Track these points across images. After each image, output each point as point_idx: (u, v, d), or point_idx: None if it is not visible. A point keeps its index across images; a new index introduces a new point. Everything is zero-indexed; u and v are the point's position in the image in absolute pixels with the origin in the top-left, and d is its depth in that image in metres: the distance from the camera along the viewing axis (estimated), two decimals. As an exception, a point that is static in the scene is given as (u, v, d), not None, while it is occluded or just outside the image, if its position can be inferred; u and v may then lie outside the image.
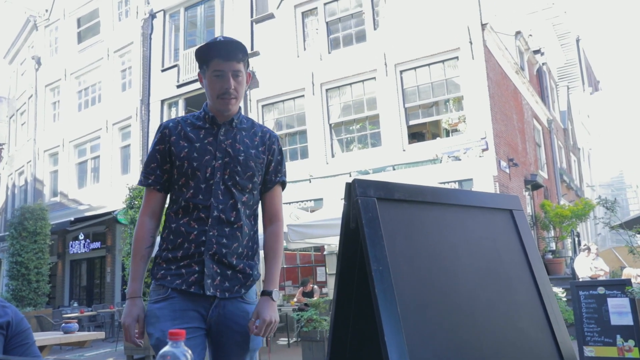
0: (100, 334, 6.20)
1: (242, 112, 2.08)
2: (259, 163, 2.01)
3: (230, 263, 1.92)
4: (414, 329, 1.22)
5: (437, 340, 1.27)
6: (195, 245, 1.91)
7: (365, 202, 1.39)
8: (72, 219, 15.74)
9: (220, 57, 1.93)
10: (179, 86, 15.05)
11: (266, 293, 1.89)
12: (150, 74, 15.95)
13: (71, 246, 17.55)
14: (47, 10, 20.71)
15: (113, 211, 14.58)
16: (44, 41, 20.80)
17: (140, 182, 2.03)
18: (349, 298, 1.48)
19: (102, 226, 16.31)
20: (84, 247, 17.08)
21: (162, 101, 15.50)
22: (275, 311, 1.87)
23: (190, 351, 0.95)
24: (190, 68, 14.87)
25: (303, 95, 12.68)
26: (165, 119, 14.96)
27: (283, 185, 2.11)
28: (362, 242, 1.33)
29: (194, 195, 1.95)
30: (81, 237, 17.06)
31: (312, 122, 12.38)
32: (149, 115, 15.74)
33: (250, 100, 13.38)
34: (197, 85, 14.28)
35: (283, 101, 13.13)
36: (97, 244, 16.77)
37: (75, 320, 5.67)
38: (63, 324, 5.10)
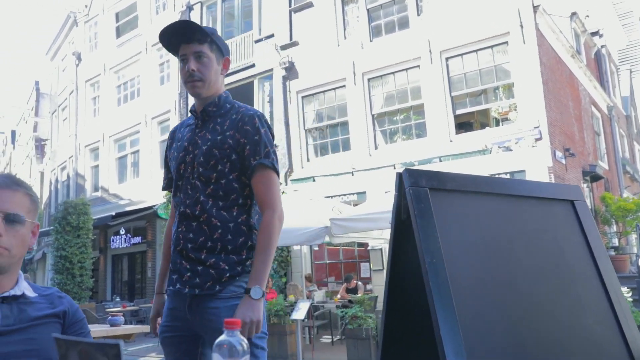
0: (145, 328, 6.43)
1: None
2: (225, 149, 1.94)
3: (198, 258, 1.90)
4: (470, 324, 1.22)
5: (495, 336, 1.26)
6: (173, 244, 2.01)
7: (417, 192, 1.39)
8: (114, 213, 16.34)
9: (184, 41, 1.98)
10: (217, 78, 15.31)
11: (246, 291, 1.81)
12: (188, 67, 16.29)
13: (112, 241, 18.25)
14: (86, 6, 21.48)
15: (153, 206, 15.05)
16: (84, 37, 21.60)
17: (162, 187, 2.24)
18: (401, 292, 1.49)
19: (142, 221, 16.85)
20: (125, 241, 17.72)
21: (201, 94, 15.81)
22: (254, 310, 1.76)
23: (245, 340, 0.99)
24: (231, 59, 15.09)
25: (344, 86, 12.67)
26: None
27: (266, 168, 1.95)
28: (415, 233, 1.33)
29: (175, 194, 2.08)
30: (122, 231, 17.71)
31: (354, 113, 12.36)
32: (187, 109, 16.10)
33: (289, 91, 13.49)
34: (236, 77, 14.52)
35: (323, 92, 13.16)
36: (138, 239, 17.35)
37: (120, 314, 5.91)
38: (109, 317, 5.34)
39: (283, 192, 12.21)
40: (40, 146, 29.10)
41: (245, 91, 14.78)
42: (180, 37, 1.98)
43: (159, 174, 15.83)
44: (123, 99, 19.17)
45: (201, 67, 1.96)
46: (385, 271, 1.57)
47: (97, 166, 19.93)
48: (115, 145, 19.08)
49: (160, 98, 17.01)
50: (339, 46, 12.87)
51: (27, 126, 33.27)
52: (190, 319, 1.90)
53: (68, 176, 22.00)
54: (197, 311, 1.88)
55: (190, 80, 1.97)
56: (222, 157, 1.94)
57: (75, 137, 21.06)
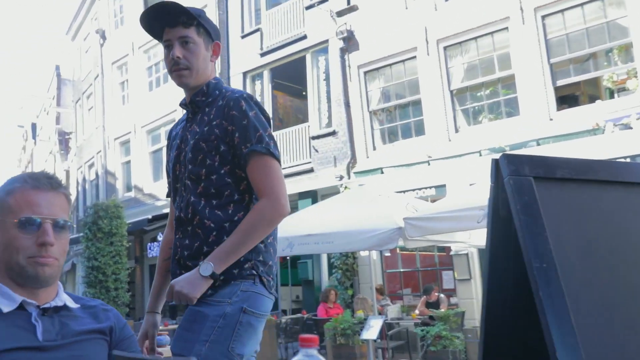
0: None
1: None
2: (212, 140, 2.02)
3: (195, 265, 1.95)
4: (592, 340, 1.20)
5: (624, 354, 1.23)
6: (172, 254, 2.15)
7: (519, 182, 1.37)
8: (150, 216, 16.94)
9: (167, 25, 2.07)
10: (262, 54, 15.56)
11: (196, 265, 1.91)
12: (228, 42, 16.64)
13: (149, 248, 18.95)
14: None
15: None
16: (108, 11, 22.50)
17: (166, 194, 2.36)
18: (502, 307, 1.48)
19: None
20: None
21: (244, 73, 16.13)
22: (193, 284, 1.86)
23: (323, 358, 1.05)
24: (275, 32, 15.30)
25: (415, 57, 12.54)
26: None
27: (260, 154, 1.99)
28: (518, 233, 1.32)
29: (174, 199, 2.22)
30: (160, 237, 18.35)
31: (428, 89, 12.21)
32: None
33: (349, 66, 13.50)
34: (285, 51, 14.68)
35: (390, 65, 13.08)
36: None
37: (165, 332, 6.15)
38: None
39: (345, 187, 12.29)
40: (64, 140, 30.60)
41: (296, 68, 14.92)
42: (163, 20, 2.07)
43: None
44: (155, 83, 19.83)
45: (187, 53, 2.06)
46: (475, 281, 1.54)
47: (128, 162, 20.75)
48: (148, 137, 19.79)
49: (197, 80, 17.42)
50: (407, 9, 12.73)
51: (49, 118, 34.97)
52: None
53: (97, 174, 23.00)
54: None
55: (176, 69, 2.08)
56: (210, 149, 2.02)
57: (102, 129, 22.04)
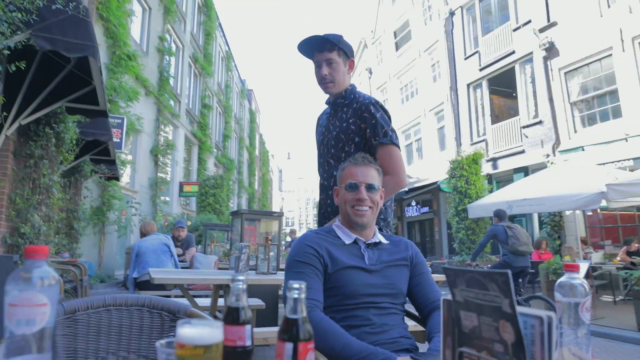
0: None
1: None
2: (349, 134, 2.02)
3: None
4: None
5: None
6: (317, 208, 2.18)
7: None
8: (406, 189, 18.07)
9: (317, 50, 2.10)
10: (481, 69, 15.39)
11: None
12: (455, 64, 16.71)
13: (406, 211, 20.06)
14: (372, 31, 23.97)
15: (436, 182, 16.18)
16: (372, 55, 24.10)
17: None
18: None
19: (428, 194, 18.06)
20: (416, 211, 19.34)
21: (468, 85, 16.09)
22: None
23: (586, 283, 0.90)
24: (489, 52, 15.00)
25: (610, 55, 11.27)
26: (471, 100, 15.61)
27: (386, 145, 1.97)
28: None
29: (318, 169, 2.20)
30: (413, 203, 19.37)
31: (624, 80, 10.90)
32: (457, 99, 16.63)
33: (551, 69, 12.69)
34: (498, 65, 14.39)
35: (587, 65, 11.91)
36: (425, 209, 18.71)
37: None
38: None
39: (552, 162, 11.74)
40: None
41: (506, 77, 14.48)
42: (314, 46, 2.10)
43: (439, 157, 16.95)
44: (405, 98, 20.65)
45: (332, 71, 2.07)
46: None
47: (390, 154, 22.14)
48: (402, 136, 20.63)
49: (434, 93, 17.88)
50: (602, 16, 11.46)
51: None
52: None
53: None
54: None
55: (324, 83, 2.09)
56: (348, 140, 2.02)
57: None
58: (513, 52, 13.93)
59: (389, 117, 2.06)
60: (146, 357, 1.37)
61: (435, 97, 17.64)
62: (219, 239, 8.90)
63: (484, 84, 15.39)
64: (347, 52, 2.12)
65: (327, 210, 2.08)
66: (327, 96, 2.20)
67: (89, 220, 8.71)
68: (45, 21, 3.79)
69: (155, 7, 13.05)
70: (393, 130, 2.02)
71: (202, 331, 0.63)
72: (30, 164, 5.29)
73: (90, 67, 4.58)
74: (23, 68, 3.76)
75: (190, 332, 0.63)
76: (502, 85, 14.98)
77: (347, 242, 1.58)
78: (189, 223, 11.00)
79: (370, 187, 1.58)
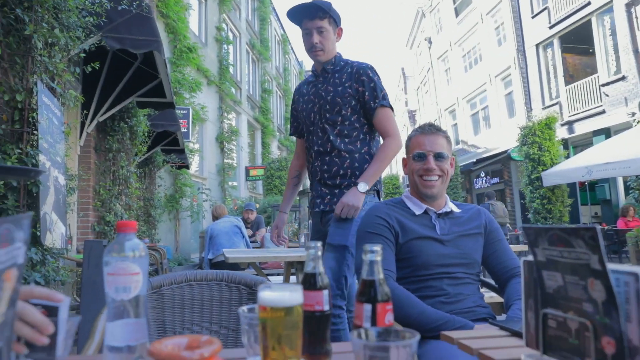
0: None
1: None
2: (346, 97, 2.04)
3: (334, 183, 2.06)
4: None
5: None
6: (312, 176, 2.18)
7: None
8: (474, 160, 17.51)
9: (306, 17, 2.05)
10: (551, 26, 14.32)
11: (354, 184, 1.96)
12: (521, 24, 15.72)
13: (475, 182, 19.49)
14: (429, -2, 23.09)
15: (506, 150, 15.48)
16: (431, 24, 23.26)
17: (290, 134, 2.40)
18: None
19: (498, 164, 17.41)
20: (485, 182, 18.71)
21: (536, 45, 15.08)
22: (356, 197, 1.92)
23: None
24: (559, 6, 13.89)
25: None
26: (541, 61, 14.66)
27: (384, 107, 2.06)
28: None
29: (307, 138, 2.21)
30: (482, 174, 18.75)
31: None
32: (525, 61, 15.68)
33: (636, 18, 11.49)
34: (571, 19, 13.32)
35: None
36: (495, 179, 18.05)
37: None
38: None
39: (638, 122, 10.77)
40: (412, 116, 33.00)
41: (581, 32, 13.36)
42: (304, 14, 2.07)
43: (508, 123, 16.19)
44: (468, 66, 19.84)
45: (322, 39, 2.06)
46: None
47: (455, 124, 21.47)
48: (467, 105, 20.01)
49: (499, 58, 17.01)
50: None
51: (400, 103, 38.02)
52: (323, 230, 2.10)
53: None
54: (326, 223, 2.07)
55: (314, 50, 2.08)
56: (344, 103, 2.05)
57: (436, 104, 23.22)
58: (589, 4, 12.82)
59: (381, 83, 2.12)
60: (227, 327, 1.45)
61: (501, 62, 16.79)
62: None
63: (555, 42, 14.35)
64: (336, 20, 2.11)
65: (323, 176, 2.09)
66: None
67: (164, 208, 9.27)
68: (113, 22, 4.05)
69: (211, -2, 13.39)
70: (387, 94, 2.09)
71: (283, 294, 0.66)
72: (109, 158, 5.71)
73: (155, 61, 4.82)
74: (97, 68, 4.03)
75: (272, 295, 0.66)
76: (577, 42, 13.88)
77: (417, 212, 1.57)
78: (257, 205, 11.39)
79: (438, 156, 1.55)
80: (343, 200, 1.92)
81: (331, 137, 2.05)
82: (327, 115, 2.08)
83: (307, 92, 2.21)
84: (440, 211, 1.57)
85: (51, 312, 0.65)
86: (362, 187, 1.95)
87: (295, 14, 2.08)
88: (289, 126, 24.74)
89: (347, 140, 2.04)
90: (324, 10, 2.03)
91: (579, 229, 0.64)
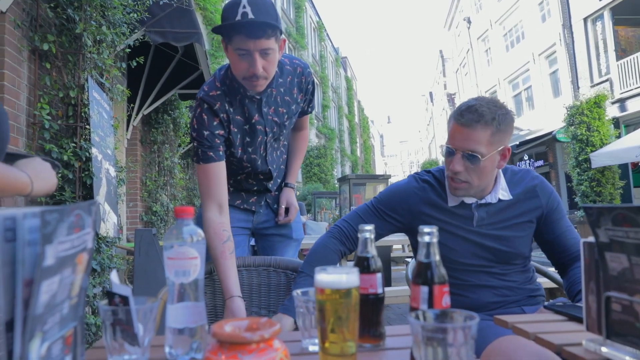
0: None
1: None
2: (296, 112, 1.71)
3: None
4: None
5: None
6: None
7: None
8: (517, 143, 16.96)
9: (244, 34, 1.34)
10: (601, -2, 13.57)
11: (289, 185, 1.89)
12: (567, -3, 15.01)
13: (518, 166, 18.89)
14: (468, -25, 22.31)
15: (551, 131, 14.89)
16: (470, 2, 22.51)
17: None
18: None
19: (542, 146, 16.80)
20: (529, 165, 18.11)
21: (585, 19, 14.29)
22: (295, 198, 1.95)
23: None
24: (610, -24, 13.12)
25: None
26: (589, 36, 13.92)
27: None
28: None
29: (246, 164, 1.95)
30: (526, 157, 18.14)
31: None
32: (572, 37, 14.92)
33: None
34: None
35: None
36: (540, 162, 17.45)
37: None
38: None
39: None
40: (451, 99, 32.23)
41: (635, 1, 12.57)
42: (245, 32, 1.35)
43: (553, 104, 15.55)
44: (510, 45, 19.14)
45: (267, 64, 1.41)
46: None
47: (496, 106, 20.86)
48: (509, 86, 19.37)
49: (543, 34, 16.28)
50: None
51: (439, 86, 37.25)
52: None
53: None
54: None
55: (255, 80, 1.43)
56: (292, 116, 1.70)
57: (476, 86, 22.54)
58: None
59: None
60: (275, 312, 1.48)
61: (546, 39, 16.06)
62: (327, 206, 9.16)
63: (606, 14, 13.57)
64: (281, 32, 1.44)
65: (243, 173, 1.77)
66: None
67: (207, 197, 9.50)
68: (155, 17, 4.16)
69: (246, -12, 13.43)
70: None
71: (340, 277, 0.67)
72: (154, 149, 5.91)
73: (196, 53, 4.92)
74: (142, 62, 4.16)
75: (328, 277, 0.67)
76: (630, 13, 13.07)
77: (451, 204, 1.39)
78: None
79: (470, 157, 1.26)
80: (293, 204, 1.91)
81: (280, 154, 1.93)
82: (279, 134, 1.90)
83: (234, 114, 1.77)
84: (483, 201, 1.36)
85: (125, 301, 0.69)
86: (293, 185, 1.98)
87: (229, 28, 1.36)
88: (326, 114, 24.74)
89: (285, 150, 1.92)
90: (273, 26, 1.35)
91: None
